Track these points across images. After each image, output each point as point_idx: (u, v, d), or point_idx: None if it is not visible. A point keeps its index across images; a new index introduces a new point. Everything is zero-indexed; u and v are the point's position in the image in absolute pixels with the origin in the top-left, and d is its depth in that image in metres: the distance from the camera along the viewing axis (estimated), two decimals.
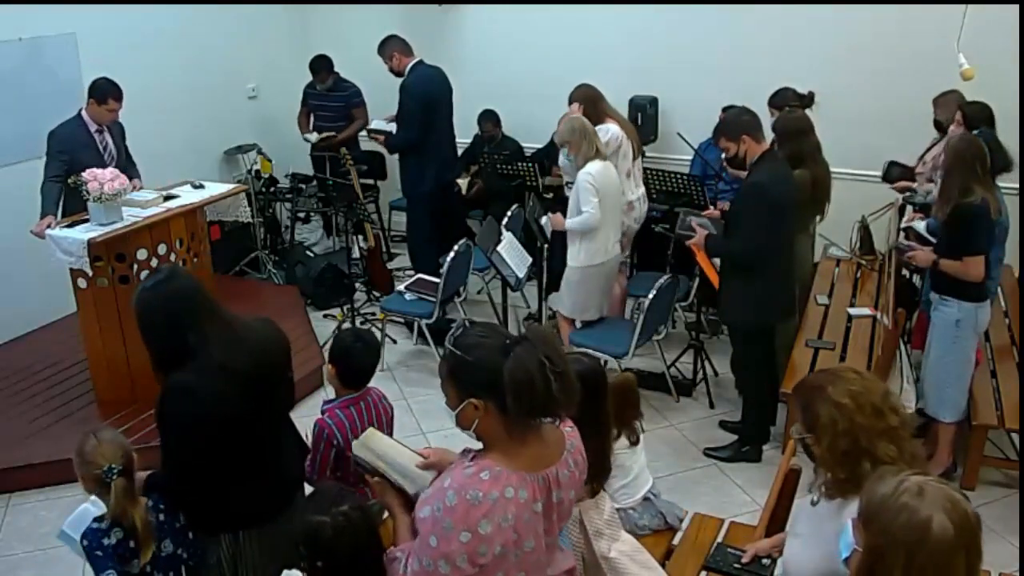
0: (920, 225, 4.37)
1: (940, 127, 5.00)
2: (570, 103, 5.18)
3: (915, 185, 5.01)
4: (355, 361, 2.97)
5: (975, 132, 4.27)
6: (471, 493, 1.80)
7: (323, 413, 2.96)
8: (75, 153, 4.77)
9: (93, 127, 4.90)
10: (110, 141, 5.00)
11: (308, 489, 2.80)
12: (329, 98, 6.90)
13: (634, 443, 3.09)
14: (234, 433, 2.39)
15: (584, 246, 4.75)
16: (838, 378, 2.17)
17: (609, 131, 5.05)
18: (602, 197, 4.64)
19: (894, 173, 5.21)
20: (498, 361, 1.82)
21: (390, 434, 3.01)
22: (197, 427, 2.34)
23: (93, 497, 2.49)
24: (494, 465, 1.85)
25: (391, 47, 5.86)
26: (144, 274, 4.55)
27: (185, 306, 2.35)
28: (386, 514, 2.46)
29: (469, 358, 1.86)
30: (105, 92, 4.80)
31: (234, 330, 2.43)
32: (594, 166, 4.64)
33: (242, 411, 2.38)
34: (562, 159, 5.15)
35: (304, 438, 2.88)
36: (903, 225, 4.73)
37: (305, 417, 3.03)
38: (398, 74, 5.87)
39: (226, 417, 2.35)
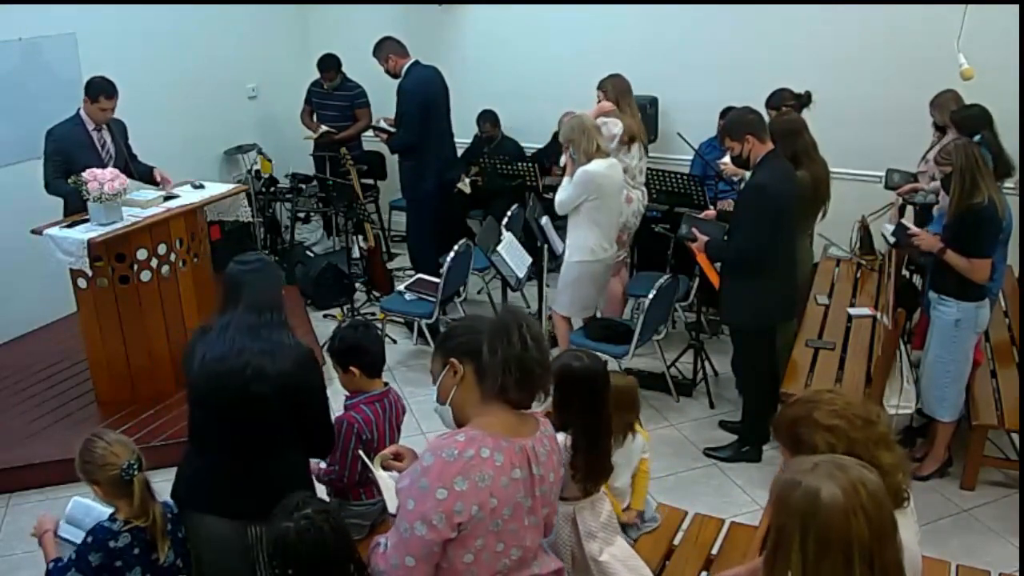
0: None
1: (939, 127, 5.00)
2: (598, 89, 5.17)
3: (922, 185, 5.00)
4: (370, 349, 3.01)
5: (976, 138, 4.26)
6: (446, 451, 1.88)
7: (347, 410, 2.98)
8: (72, 152, 4.75)
9: (91, 126, 4.88)
10: (109, 140, 4.98)
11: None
12: (334, 97, 6.89)
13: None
14: (206, 414, 2.63)
15: (580, 242, 4.73)
16: (816, 403, 2.12)
17: (617, 125, 5.05)
18: (602, 196, 4.62)
19: (895, 179, 5.20)
20: (482, 328, 1.99)
21: (398, 432, 3.04)
22: (187, 371, 2.65)
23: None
24: (470, 429, 1.94)
25: (386, 49, 5.86)
26: (144, 274, 4.56)
27: (230, 289, 2.63)
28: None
29: (458, 324, 2.13)
30: (97, 90, 4.77)
31: (233, 340, 2.55)
32: (598, 164, 4.60)
33: (205, 402, 2.62)
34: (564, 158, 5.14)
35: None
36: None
37: None
38: (394, 76, 5.87)
39: (198, 396, 2.62)
